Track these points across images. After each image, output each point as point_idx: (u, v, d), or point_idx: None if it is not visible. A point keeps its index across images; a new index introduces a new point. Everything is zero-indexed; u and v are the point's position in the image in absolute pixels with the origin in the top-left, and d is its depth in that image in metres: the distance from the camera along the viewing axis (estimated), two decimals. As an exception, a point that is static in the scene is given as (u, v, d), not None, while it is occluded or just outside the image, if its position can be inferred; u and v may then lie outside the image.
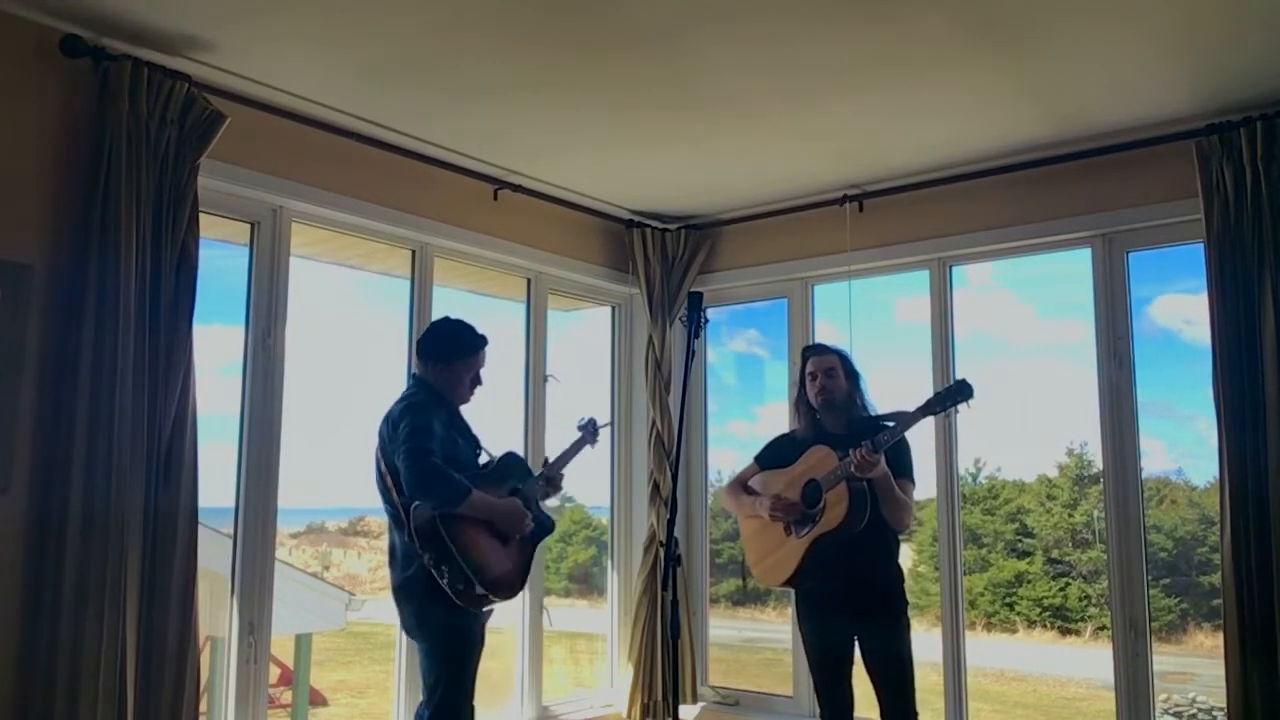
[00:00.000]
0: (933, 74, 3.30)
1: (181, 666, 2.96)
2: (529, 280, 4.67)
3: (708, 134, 3.86)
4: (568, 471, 3.51)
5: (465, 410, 3.30)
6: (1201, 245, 3.51)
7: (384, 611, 3.41)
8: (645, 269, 4.92)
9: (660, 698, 4.65)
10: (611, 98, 3.52)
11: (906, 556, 3.53)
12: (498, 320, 4.74)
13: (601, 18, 2.92)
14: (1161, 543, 6.91)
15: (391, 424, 3.08)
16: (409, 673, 3.79)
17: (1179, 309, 4.72)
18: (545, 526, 3.32)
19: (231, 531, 3.48)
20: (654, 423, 4.84)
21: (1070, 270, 4.17)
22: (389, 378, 4.01)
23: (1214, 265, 3.46)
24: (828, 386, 3.41)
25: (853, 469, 3.12)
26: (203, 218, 3.16)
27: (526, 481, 3.33)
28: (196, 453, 3.06)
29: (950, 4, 2.82)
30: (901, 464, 3.31)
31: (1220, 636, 3.40)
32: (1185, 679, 6.40)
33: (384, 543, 3.28)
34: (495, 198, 4.37)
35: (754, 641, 5.71)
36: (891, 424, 3.18)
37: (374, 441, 3.15)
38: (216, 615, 3.53)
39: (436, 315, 3.72)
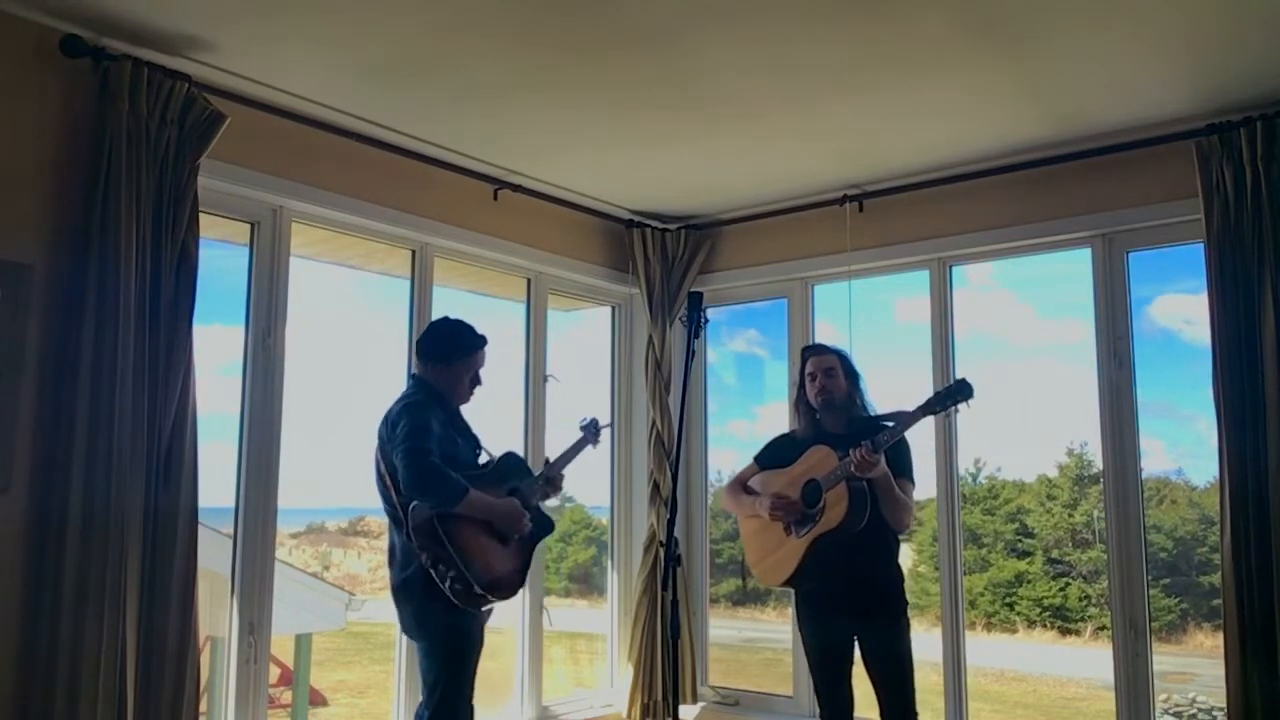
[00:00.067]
0: (933, 74, 3.30)
1: (181, 666, 2.96)
2: (529, 280, 4.67)
3: (708, 134, 3.86)
4: (568, 472, 3.51)
5: (465, 410, 3.31)
6: (1201, 245, 3.51)
7: (384, 611, 3.40)
8: (645, 269, 4.92)
9: (660, 698, 4.65)
10: (611, 98, 3.52)
11: (906, 556, 3.53)
12: (498, 320, 4.74)
13: (601, 18, 2.92)
14: (1161, 543, 6.91)
15: (390, 424, 3.08)
16: (409, 673, 3.79)
17: (1179, 309, 4.73)
18: (544, 527, 3.32)
19: (231, 531, 3.48)
20: (654, 423, 4.84)
21: (1070, 270, 4.17)
22: (389, 378, 4.01)
23: (1214, 265, 3.46)
24: (827, 386, 3.41)
25: (852, 469, 3.12)
26: (203, 218, 3.16)
27: (526, 481, 3.33)
28: (196, 453, 3.06)
29: (950, 4, 2.82)
30: (901, 464, 3.30)
31: (1220, 636, 3.40)
32: (1185, 679, 6.40)
33: (384, 543, 3.28)
34: (495, 198, 4.37)
35: (754, 641, 5.71)
36: (891, 424, 3.18)
37: (374, 441, 3.15)
38: (216, 615, 3.53)
39: (436, 315, 3.72)
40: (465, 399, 3.29)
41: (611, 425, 4.72)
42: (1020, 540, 9.19)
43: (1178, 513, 7.21)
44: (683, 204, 4.86)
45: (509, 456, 3.35)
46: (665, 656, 4.59)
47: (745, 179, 4.45)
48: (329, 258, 4.22)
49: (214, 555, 3.40)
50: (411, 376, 3.46)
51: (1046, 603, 8.94)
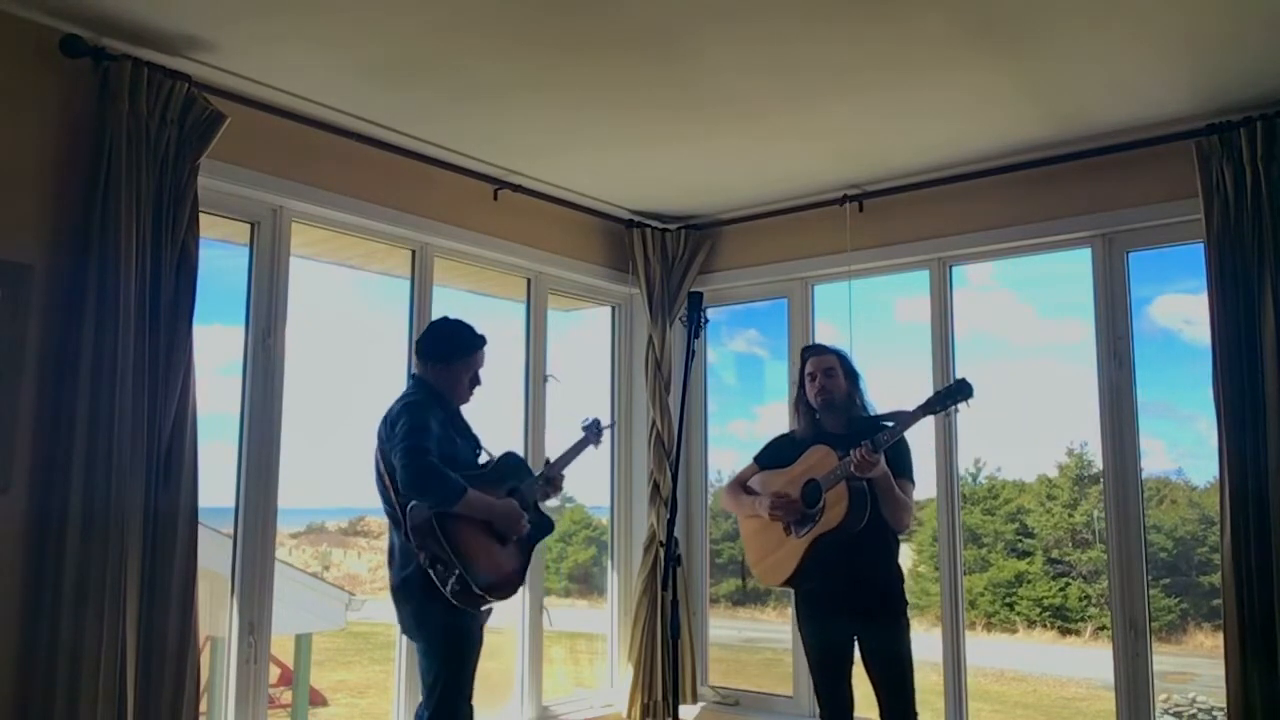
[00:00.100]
0: (933, 74, 3.30)
1: (181, 666, 2.96)
2: (529, 280, 4.67)
3: (708, 134, 3.86)
4: (568, 472, 3.50)
5: (465, 410, 3.30)
6: (1201, 245, 3.51)
7: (384, 611, 3.40)
8: (645, 269, 4.92)
9: (660, 698, 4.65)
10: (611, 98, 3.52)
11: (906, 556, 3.53)
12: (498, 320, 4.74)
13: (601, 18, 2.92)
14: (1161, 543, 6.91)
15: (390, 424, 3.08)
16: (409, 673, 3.79)
17: (1179, 309, 4.72)
18: (544, 527, 3.32)
19: (231, 531, 3.48)
20: (654, 423, 4.84)
21: (1070, 270, 4.17)
22: (389, 378, 4.01)
23: (1214, 265, 3.46)
24: (827, 387, 3.40)
25: (852, 468, 3.12)
26: (203, 218, 3.16)
27: (525, 481, 3.32)
28: (196, 453, 3.06)
29: (950, 4, 2.82)
30: (901, 464, 3.30)
31: (1220, 636, 3.40)
32: (1185, 679, 6.40)
33: (384, 543, 3.28)
34: (495, 198, 4.37)
35: (754, 641, 5.72)
36: (891, 424, 3.18)
37: (374, 442, 3.15)
38: (216, 615, 3.53)
39: (436, 315, 3.72)
40: (465, 399, 3.29)
41: (613, 426, 4.72)
42: (1020, 540, 9.19)
43: (1178, 513, 7.21)
44: (683, 204, 4.86)
45: (509, 456, 3.35)
46: (665, 656, 4.59)
47: (745, 179, 4.45)
48: (329, 258, 4.22)
49: (214, 555, 3.40)
50: (411, 376, 3.46)
51: (1046, 603, 8.94)
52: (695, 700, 4.74)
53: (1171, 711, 6.10)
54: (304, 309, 3.81)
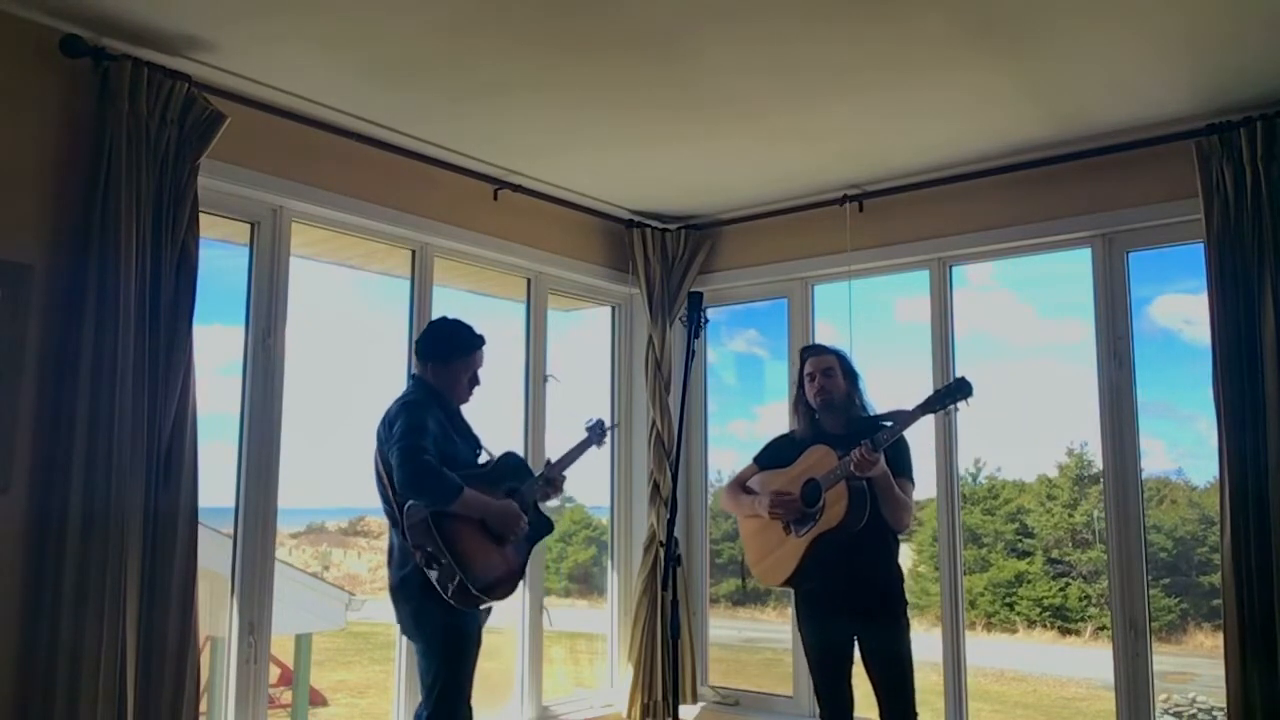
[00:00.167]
0: (933, 74, 3.30)
1: (181, 666, 2.96)
2: (529, 280, 4.67)
3: (708, 134, 3.86)
4: (569, 472, 3.50)
5: (466, 410, 3.30)
6: (1201, 245, 3.51)
7: (384, 611, 3.40)
8: (645, 269, 4.92)
9: (660, 698, 4.65)
10: (611, 98, 3.52)
11: (906, 556, 3.53)
12: (498, 320, 4.74)
13: (601, 18, 2.92)
14: (1161, 543, 6.92)
15: (388, 424, 3.08)
16: (409, 673, 3.79)
17: (1179, 309, 4.73)
18: (543, 527, 3.32)
19: (231, 531, 3.48)
20: (654, 423, 4.84)
21: (1070, 270, 4.17)
22: (389, 378, 4.01)
23: (1214, 265, 3.46)
24: (826, 387, 3.40)
25: (852, 468, 3.12)
26: (203, 218, 3.16)
27: (525, 482, 3.32)
28: (196, 453, 3.06)
29: (950, 4, 2.82)
30: (901, 464, 3.30)
31: (1220, 636, 3.40)
32: (1185, 679, 6.40)
33: (384, 543, 3.28)
34: (495, 198, 4.37)
35: (754, 641, 5.72)
36: (890, 423, 3.18)
37: (373, 442, 3.15)
38: (216, 615, 3.53)
39: (436, 315, 3.72)
40: (464, 399, 3.29)
41: (615, 427, 4.72)
42: (1020, 540, 9.19)
43: (1178, 513, 7.22)
44: (683, 204, 4.86)
45: (508, 456, 3.35)
46: (665, 656, 4.59)
47: (745, 179, 4.45)
48: (329, 258, 4.22)
49: (214, 555, 3.40)
50: (411, 376, 3.46)
51: (1046, 603, 8.94)
52: (695, 700, 4.74)
53: (1171, 711, 6.10)
54: (304, 309, 3.81)
